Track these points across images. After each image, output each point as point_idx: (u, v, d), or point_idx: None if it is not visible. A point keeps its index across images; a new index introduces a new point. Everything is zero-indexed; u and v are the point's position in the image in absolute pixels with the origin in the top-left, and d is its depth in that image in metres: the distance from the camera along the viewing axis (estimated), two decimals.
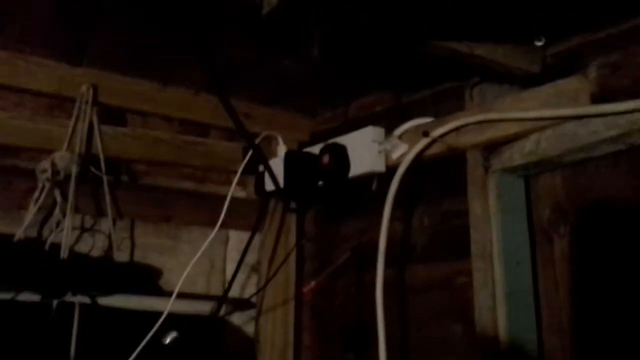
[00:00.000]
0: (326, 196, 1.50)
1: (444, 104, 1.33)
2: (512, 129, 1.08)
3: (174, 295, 1.34)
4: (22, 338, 1.33)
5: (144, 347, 1.33)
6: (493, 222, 1.11)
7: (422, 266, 1.39)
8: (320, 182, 1.42)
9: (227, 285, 1.74)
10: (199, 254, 1.37)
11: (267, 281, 1.59)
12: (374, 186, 1.36)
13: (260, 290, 1.66)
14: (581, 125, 0.98)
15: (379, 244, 1.24)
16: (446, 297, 1.30)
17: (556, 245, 1.11)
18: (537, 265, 1.13)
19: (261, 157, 1.47)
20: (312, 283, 1.57)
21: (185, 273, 1.35)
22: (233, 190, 1.82)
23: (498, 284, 1.09)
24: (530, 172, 1.14)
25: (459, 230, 1.26)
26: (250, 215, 1.73)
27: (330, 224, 1.73)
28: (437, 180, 1.36)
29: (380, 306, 1.22)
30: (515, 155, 1.09)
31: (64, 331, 1.35)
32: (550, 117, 1.00)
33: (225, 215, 1.57)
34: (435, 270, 1.35)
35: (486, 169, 1.14)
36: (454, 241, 1.30)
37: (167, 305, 1.33)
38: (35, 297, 1.33)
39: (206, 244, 1.39)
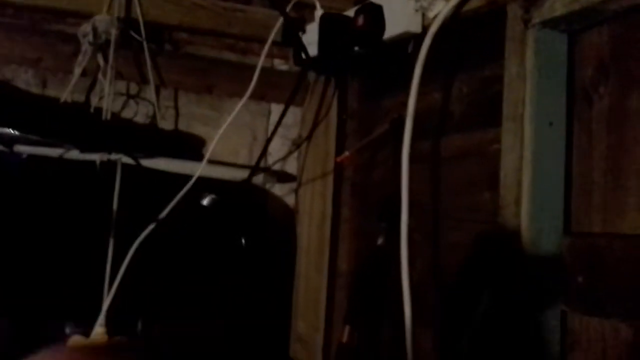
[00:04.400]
0: (363, 62, 1.45)
1: None
2: None
3: (205, 158, 1.38)
4: (70, 192, 1.43)
5: (186, 208, 1.39)
6: (528, 80, 1.04)
7: (458, 135, 1.34)
8: (357, 48, 1.37)
9: (268, 157, 1.77)
10: (229, 118, 1.38)
11: (299, 144, 1.59)
12: (409, 48, 1.30)
13: (295, 150, 1.67)
14: None
15: (407, 108, 1.20)
16: (478, 165, 1.26)
17: (595, 106, 1.03)
18: (573, 129, 1.06)
19: (289, 20, 1.42)
20: (347, 152, 1.56)
21: (217, 137, 1.37)
22: (275, 64, 1.80)
23: (527, 145, 1.03)
24: (574, 26, 1.03)
25: (498, 96, 1.19)
26: (297, 91, 1.72)
27: (372, 99, 1.69)
28: (479, 43, 1.28)
29: (405, 172, 1.20)
30: (557, 4, 0.99)
31: (108, 188, 1.43)
32: None
33: (267, 87, 1.56)
34: (470, 139, 1.30)
35: (526, 22, 1.05)
36: (491, 108, 1.23)
37: (201, 168, 1.37)
38: (79, 155, 1.41)
39: (238, 108, 1.39)
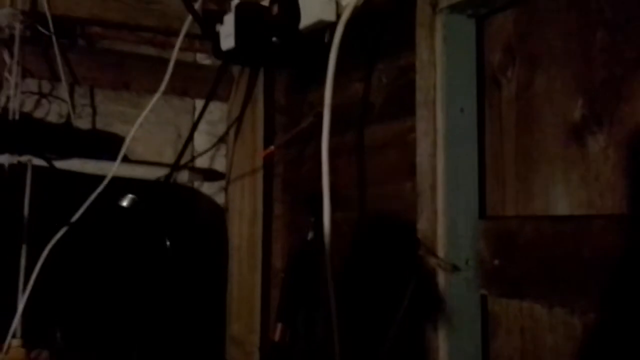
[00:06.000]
0: (282, 53, 1.42)
1: None
2: None
3: (119, 157, 1.32)
4: None
5: (105, 211, 1.33)
6: (438, 66, 1.03)
7: (379, 126, 1.33)
8: (274, 38, 1.34)
9: (195, 155, 1.72)
10: (144, 112, 1.32)
11: (225, 141, 1.53)
12: (326, 38, 1.27)
13: (221, 146, 1.62)
14: None
15: (324, 100, 1.17)
16: (399, 154, 1.25)
17: (504, 90, 1.03)
18: (484, 113, 1.06)
19: (195, 14, 1.36)
20: (271, 147, 1.53)
21: (132, 132, 1.31)
22: (198, 58, 1.75)
23: (439, 131, 1.02)
24: (480, 10, 1.03)
25: (414, 84, 1.18)
26: (218, 84, 1.68)
27: (299, 92, 1.66)
28: (394, 31, 1.27)
29: (325, 165, 1.18)
30: None
31: (18, 192, 1.35)
32: None
33: (189, 82, 1.51)
34: (390, 128, 1.29)
35: (434, 7, 1.04)
36: (408, 96, 1.23)
37: (115, 168, 1.31)
38: None
39: (153, 102, 1.33)
